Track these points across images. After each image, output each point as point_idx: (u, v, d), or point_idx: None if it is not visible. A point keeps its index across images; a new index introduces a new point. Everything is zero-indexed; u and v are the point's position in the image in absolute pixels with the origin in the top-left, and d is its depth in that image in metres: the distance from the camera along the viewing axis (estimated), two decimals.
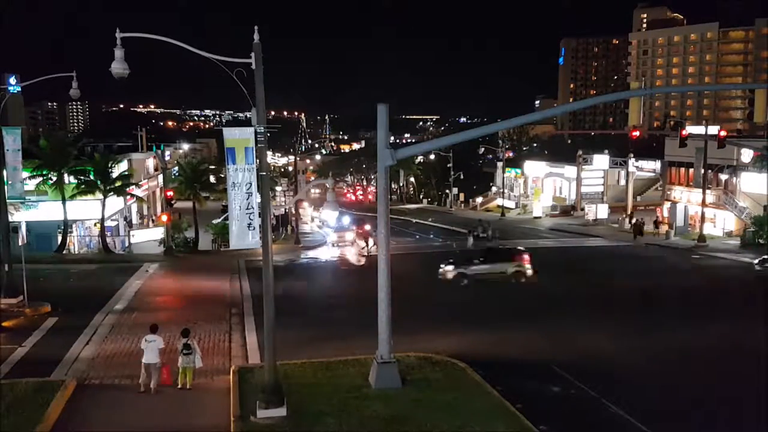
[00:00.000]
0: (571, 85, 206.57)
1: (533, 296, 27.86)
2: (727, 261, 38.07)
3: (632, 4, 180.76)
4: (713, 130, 48.12)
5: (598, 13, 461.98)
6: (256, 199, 13.76)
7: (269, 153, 33.61)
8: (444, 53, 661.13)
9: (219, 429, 13.47)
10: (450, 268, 30.10)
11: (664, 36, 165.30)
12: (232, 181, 13.67)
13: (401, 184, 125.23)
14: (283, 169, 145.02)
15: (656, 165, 61.95)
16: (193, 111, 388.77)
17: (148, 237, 48.09)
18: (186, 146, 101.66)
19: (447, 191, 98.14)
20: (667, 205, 57.58)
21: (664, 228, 53.76)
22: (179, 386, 15.38)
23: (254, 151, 13.59)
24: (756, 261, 33.46)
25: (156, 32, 13.97)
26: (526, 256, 30.71)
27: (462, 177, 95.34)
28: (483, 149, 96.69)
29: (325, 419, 13.56)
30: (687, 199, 54.51)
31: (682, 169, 56.15)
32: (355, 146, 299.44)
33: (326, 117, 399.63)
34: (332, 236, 50.91)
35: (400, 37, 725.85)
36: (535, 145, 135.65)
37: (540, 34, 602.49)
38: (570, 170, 71.87)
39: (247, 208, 13.74)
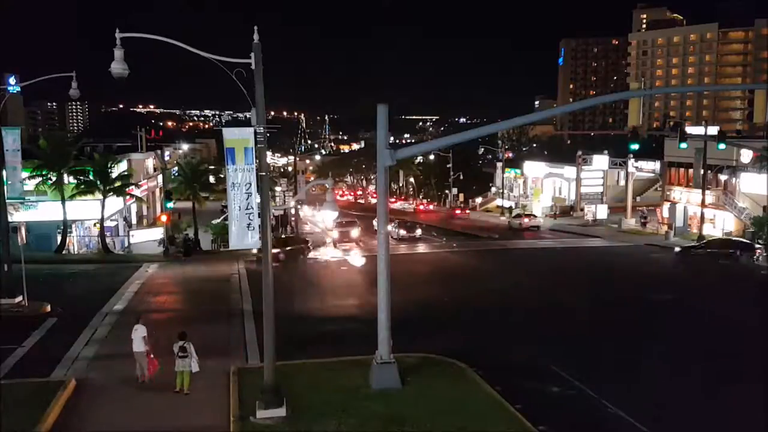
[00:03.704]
0: (571, 86, 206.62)
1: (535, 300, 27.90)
2: (728, 262, 37.99)
3: (632, 4, 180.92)
4: (713, 130, 48.15)
5: (597, 13, 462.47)
6: (256, 199, 13.75)
7: (269, 153, 33.51)
8: (444, 53, 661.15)
9: (219, 429, 13.46)
10: None
11: (664, 36, 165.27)
12: (231, 182, 13.65)
13: (401, 185, 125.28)
14: (282, 170, 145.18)
15: (656, 165, 61.99)
16: (193, 111, 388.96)
17: (148, 237, 48.07)
18: (185, 146, 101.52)
19: (447, 191, 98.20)
20: (666, 205, 57.61)
21: (657, 227, 53.88)
22: (176, 389, 15.33)
23: (254, 151, 13.58)
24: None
25: (156, 32, 13.98)
26: None
27: (461, 177, 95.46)
28: (483, 149, 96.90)
29: (324, 420, 13.56)
30: (686, 199, 54.53)
31: (682, 170, 56.18)
32: (355, 146, 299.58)
33: (326, 117, 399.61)
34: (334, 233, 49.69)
35: (400, 37, 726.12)
36: (534, 145, 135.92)
37: (540, 35, 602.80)
38: (569, 170, 71.90)
39: (247, 209, 13.72)
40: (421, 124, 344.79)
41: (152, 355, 15.97)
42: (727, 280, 32.51)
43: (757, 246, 36.47)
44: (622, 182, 66.51)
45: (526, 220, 59.34)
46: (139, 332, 15.78)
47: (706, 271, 35.09)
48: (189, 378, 15.33)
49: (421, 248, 45.91)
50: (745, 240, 40.05)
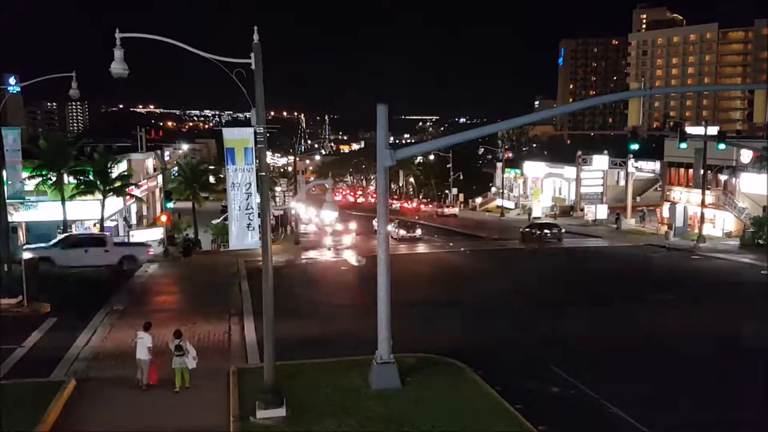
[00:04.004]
0: (571, 86, 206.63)
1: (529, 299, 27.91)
2: (729, 262, 38.00)
3: (632, 4, 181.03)
4: (713, 130, 48.17)
5: (597, 13, 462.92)
6: (256, 199, 13.74)
7: (269, 153, 33.46)
8: (444, 53, 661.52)
9: (219, 429, 13.46)
10: None
11: (664, 37, 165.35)
12: (231, 182, 13.64)
13: (401, 185, 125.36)
14: (282, 170, 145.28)
15: (656, 165, 62.01)
16: (193, 111, 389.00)
17: (148, 237, 48.01)
18: (185, 146, 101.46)
19: (447, 191, 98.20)
20: (666, 205, 57.63)
21: (657, 227, 53.87)
22: (176, 389, 15.32)
23: (254, 152, 13.57)
24: None
25: (156, 32, 13.97)
26: None
27: (461, 177, 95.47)
28: (483, 150, 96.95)
29: (324, 420, 13.56)
30: (686, 199, 54.55)
31: (682, 170, 56.19)
32: (355, 146, 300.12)
33: (326, 117, 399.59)
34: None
35: (400, 37, 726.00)
36: (534, 145, 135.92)
37: (540, 35, 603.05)
38: (569, 171, 71.92)
39: (247, 209, 13.72)
40: (421, 124, 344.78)
41: (155, 364, 15.74)
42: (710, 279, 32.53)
43: (558, 228, 49.39)
44: (622, 182, 66.53)
45: (445, 210, 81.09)
46: (144, 341, 15.51)
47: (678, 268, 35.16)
48: (188, 374, 15.41)
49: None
50: (554, 222, 54.85)
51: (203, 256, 43.79)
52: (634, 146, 46.67)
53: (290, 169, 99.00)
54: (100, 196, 41.60)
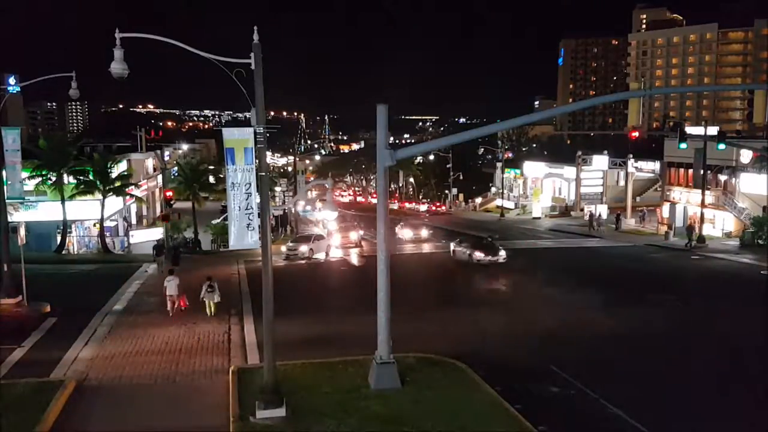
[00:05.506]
0: (571, 86, 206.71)
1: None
2: (729, 262, 37.98)
3: (632, 4, 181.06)
4: (712, 130, 48.16)
5: (597, 13, 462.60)
6: (256, 199, 13.75)
7: (269, 153, 33.49)
8: (443, 53, 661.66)
9: (218, 429, 13.45)
10: None
11: (664, 37, 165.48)
12: (231, 182, 13.64)
13: (401, 185, 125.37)
14: (282, 170, 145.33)
15: (655, 166, 62.02)
16: (193, 111, 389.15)
17: (148, 237, 48.05)
18: (185, 146, 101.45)
19: (446, 192, 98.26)
20: (666, 205, 57.65)
21: (658, 227, 53.87)
22: (209, 314, 22.16)
23: (254, 152, 13.57)
24: None
25: (155, 32, 13.97)
26: None
27: (461, 177, 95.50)
28: (482, 150, 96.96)
29: (324, 420, 13.55)
30: (686, 199, 54.56)
31: (682, 170, 56.20)
32: (355, 146, 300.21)
33: (326, 117, 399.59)
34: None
35: (400, 37, 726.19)
36: (534, 145, 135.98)
37: (540, 35, 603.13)
38: (569, 171, 71.93)
39: (247, 209, 13.72)
40: (420, 124, 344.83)
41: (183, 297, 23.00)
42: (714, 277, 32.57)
43: None
44: (622, 182, 66.57)
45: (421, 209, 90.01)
46: (173, 282, 22.83)
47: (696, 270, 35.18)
48: (215, 306, 22.44)
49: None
50: None
51: (202, 257, 43.77)
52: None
53: (290, 169, 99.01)
54: (100, 196, 41.67)
